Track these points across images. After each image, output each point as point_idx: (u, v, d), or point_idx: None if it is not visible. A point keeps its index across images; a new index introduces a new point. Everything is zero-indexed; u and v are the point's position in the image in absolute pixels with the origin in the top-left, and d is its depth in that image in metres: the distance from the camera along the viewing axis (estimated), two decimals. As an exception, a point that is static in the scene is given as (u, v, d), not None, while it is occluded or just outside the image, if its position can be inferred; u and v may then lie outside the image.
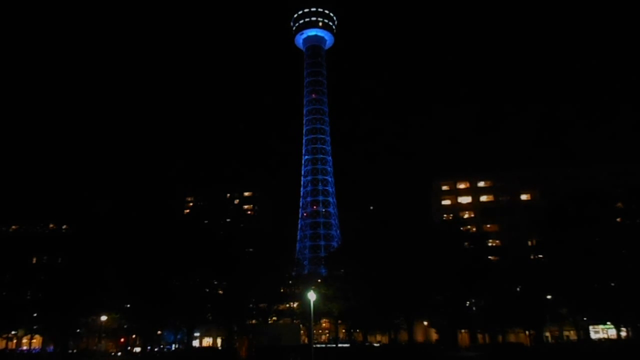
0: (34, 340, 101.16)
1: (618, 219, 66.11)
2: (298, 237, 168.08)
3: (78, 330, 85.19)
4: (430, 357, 61.34)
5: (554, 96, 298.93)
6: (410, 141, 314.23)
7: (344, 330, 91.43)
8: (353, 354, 68.52)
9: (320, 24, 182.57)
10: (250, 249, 74.86)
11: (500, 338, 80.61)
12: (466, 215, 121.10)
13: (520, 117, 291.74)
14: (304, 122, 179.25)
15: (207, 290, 74.54)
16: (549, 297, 73.27)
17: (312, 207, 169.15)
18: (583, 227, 63.06)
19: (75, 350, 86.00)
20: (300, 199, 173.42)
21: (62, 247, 76.45)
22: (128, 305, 73.92)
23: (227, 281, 73.99)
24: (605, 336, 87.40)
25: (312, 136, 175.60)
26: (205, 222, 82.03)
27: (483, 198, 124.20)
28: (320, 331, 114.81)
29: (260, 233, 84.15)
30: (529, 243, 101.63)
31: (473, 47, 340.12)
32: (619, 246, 62.41)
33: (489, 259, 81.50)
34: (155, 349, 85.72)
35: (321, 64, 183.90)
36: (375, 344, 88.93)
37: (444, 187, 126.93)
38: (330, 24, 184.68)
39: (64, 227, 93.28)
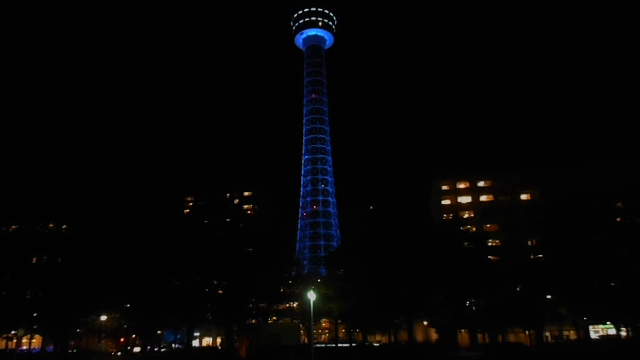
0: (34, 340, 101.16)
1: (618, 219, 66.13)
2: (298, 237, 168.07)
3: (78, 330, 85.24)
4: (430, 357, 61.31)
5: (554, 96, 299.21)
6: (410, 141, 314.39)
7: (344, 330, 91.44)
8: (353, 353, 68.52)
9: (320, 24, 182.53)
10: (250, 249, 74.84)
11: (500, 338, 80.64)
12: (466, 215, 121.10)
13: (520, 117, 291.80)
14: (304, 122, 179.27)
15: (207, 290, 74.55)
16: (549, 297, 73.31)
17: (312, 207, 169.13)
18: (583, 227, 63.08)
19: (75, 350, 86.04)
20: (300, 199, 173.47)
21: (62, 247, 76.42)
22: (128, 305, 73.95)
23: (227, 281, 73.99)
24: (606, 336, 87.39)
25: (312, 136, 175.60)
26: (205, 222, 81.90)
27: (483, 198, 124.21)
28: (320, 331, 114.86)
29: (260, 233, 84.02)
30: (529, 243, 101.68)
31: (474, 46, 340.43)
32: (619, 246, 62.43)
33: (489, 259, 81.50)
34: (156, 349, 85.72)
35: (321, 64, 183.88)
36: (375, 344, 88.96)
37: (444, 187, 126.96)
38: (330, 24, 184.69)
39: (64, 227, 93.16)
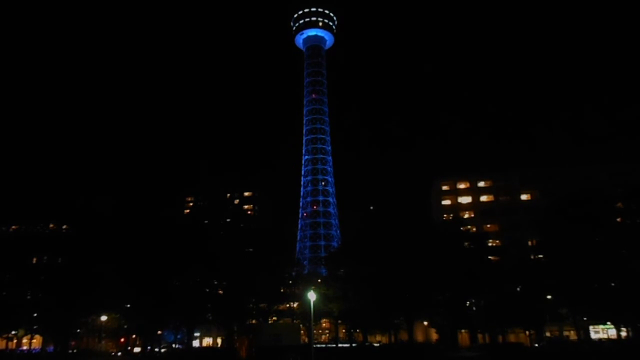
0: (34, 340, 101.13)
1: (618, 219, 66.12)
2: (298, 237, 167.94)
3: (78, 330, 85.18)
4: (430, 357, 61.31)
5: (555, 96, 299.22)
6: (410, 141, 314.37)
7: (344, 330, 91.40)
8: (353, 353, 68.47)
9: (320, 24, 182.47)
10: (250, 249, 74.83)
11: (500, 338, 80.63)
12: (466, 215, 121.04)
13: (521, 118, 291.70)
14: (304, 122, 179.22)
15: (207, 290, 74.54)
16: (549, 297, 73.29)
17: (312, 207, 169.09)
18: (583, 227, 63.05)
19: (75, 350, 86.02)
20: (300, 199, 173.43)
21: (62, 247, 76.30)
22: (128, 305, 73.93)
23: (227, 281, 73.98)
24: (605, 336, 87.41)
25: (312, 136, 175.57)
26: (205, 222, 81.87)
27: (483, 198, 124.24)
28: (320, 331, 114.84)
29: (260, 233, 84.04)
30: (529, 243, 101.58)
31: (474, 46, 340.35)
32: (619, 246, 62.40)
33: (489, 259, 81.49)
34: (156, 349, 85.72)
35: (321, 64, 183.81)
36: (375, 344, 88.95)
37: (444, 187, 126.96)
38: (330, 24, 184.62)
39: (64, 227, 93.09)
